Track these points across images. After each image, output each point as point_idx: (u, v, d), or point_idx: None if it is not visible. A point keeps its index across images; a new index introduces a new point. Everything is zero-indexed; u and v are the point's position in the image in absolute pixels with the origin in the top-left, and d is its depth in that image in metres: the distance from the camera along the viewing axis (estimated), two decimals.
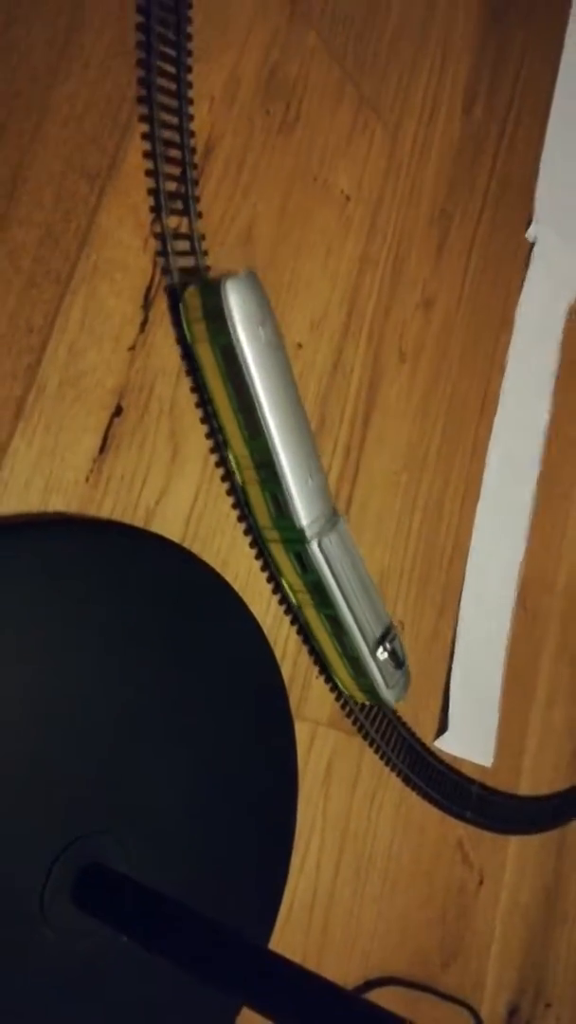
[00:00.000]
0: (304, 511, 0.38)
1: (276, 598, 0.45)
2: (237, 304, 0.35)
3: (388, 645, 0.42)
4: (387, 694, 0.44)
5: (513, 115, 0.66)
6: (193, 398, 0.41)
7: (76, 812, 0.35)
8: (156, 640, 0.38)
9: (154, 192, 0.39)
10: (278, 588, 0.43)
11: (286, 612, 0.46)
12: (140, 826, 0.37)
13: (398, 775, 0.54)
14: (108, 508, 0.38)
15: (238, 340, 0.35)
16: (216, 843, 0.41)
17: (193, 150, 0.41)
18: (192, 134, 0.41)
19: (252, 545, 0.44)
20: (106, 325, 0.38)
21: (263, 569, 0.45)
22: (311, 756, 0.49)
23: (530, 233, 0.68)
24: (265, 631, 0.45)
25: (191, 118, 0.41)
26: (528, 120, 0.67)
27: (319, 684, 0.49)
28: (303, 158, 0.48)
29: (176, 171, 0.40)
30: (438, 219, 0.58)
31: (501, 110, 0.64)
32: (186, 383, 0.41)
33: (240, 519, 0.43)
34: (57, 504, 0.36)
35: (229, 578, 0.43)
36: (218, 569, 0.42)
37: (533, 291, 0.68)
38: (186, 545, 0.41)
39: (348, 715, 0.50)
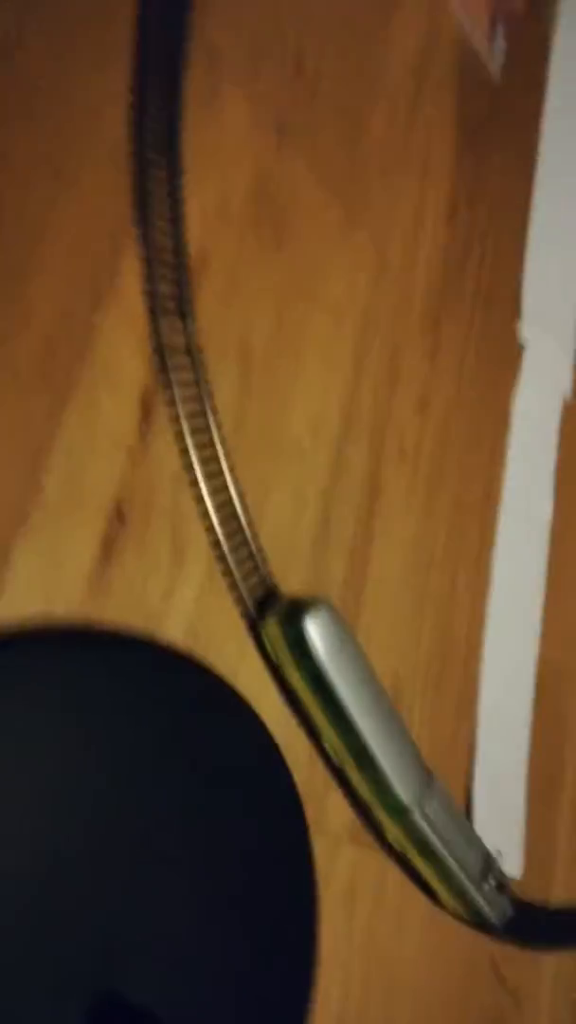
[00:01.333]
0: (403, 789, 0.43)
1: (286, 706, 0.44)
2: (320, 641, 0.39)
3: (492, 879, 0.47)
4: (494, 918, 0.47)
5: (495, 223, 0.69)
6: (194, 506, 0.41)
7: (89, 954, 0.32)
8: (162, 756, 0.37)
9: (151, 309, 0.41)
10: (380, 838, 0.48)
11: (300, 724, 0.45)
12: (155, 962, 0.35)
13: (424, 891, 0.51)
14: (110, 616, 0.37)
15: (324, 670, 0.39)
16: (235, 973, 0.38)
17: (188, 268, 0.42)
18: (187, 254, 0.42)
19: (260, 649, 0.43)
20: (106, 436, 0.38)
21: (274, 677, 0.44)
22: (332, 874, 0.46)
23: (520, 334, 0.70)
24: (278, 742, 0.43)
25: (184, 240, 0.42)
26: (510, 227, 0.70)
27: (336, 797, 0.47)
28: (295, 273, 0.50)
29: (172, 289, 0.42)
30: (430, 327, 0.60)
31: (483, 219, 0.67)
32: (187, 488, 0.41)
33: (249, 628, 0.43)
34: (58, 615, 0.35)
35: (239, 686, 0.42)
36: (227, 677, 0.41)
37: (527, 389, 0.69)
38: (193, 653, 0.40)
39: (369, 828, 0.48)
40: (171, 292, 0.42)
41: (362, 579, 0.51)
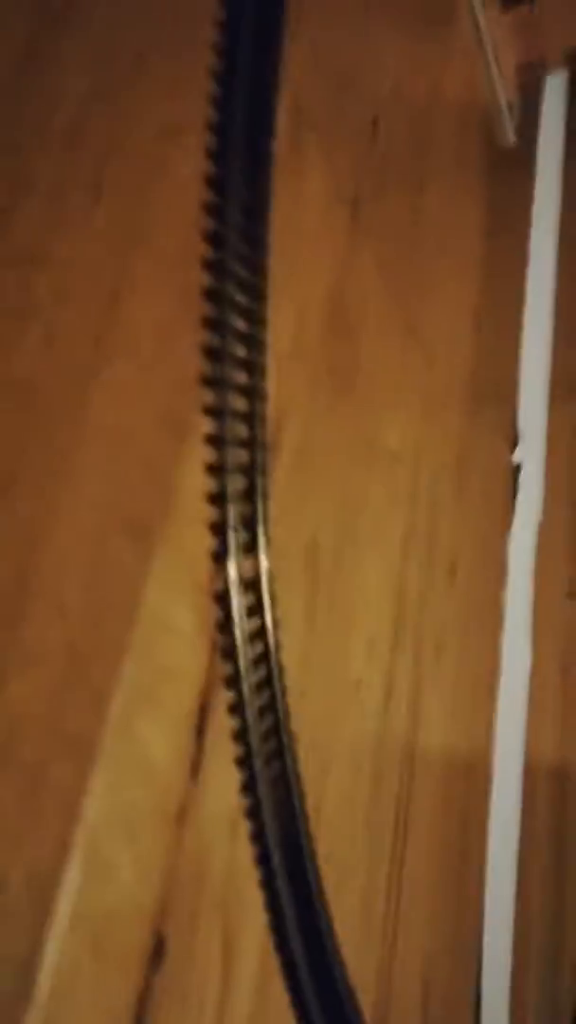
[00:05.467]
0: None
1: None
2: None
3: None
4: None
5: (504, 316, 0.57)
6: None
7: None
8: None
9: (219, 528, 0.24)
10: None
11: None
12: None
13: None
14: None
15: None
16: None
17: (266, 449, 0.26)
18: (265, 427, 0.26)
19: None
20: (140, 791, 0.21)
21: None
22: None
23: (517, 455, 0.59)
24: None
25: (264, 403, 0.26)
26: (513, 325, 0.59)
27: None
28: (361, 416, 0.34)
29: (243, 484, 0.25)
30: (459, 463, 0.46)
31: (496, 319, 0.55)
32: (241, 840, 0.25)
33: None
34: None
35: None
36: None
37: (519, 524, 0.58)
38: None
39: None
40: (243, 494, 0.25)
41: (404, 843, 0.37)
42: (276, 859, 0.26)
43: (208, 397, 0.23)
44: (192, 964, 0.22)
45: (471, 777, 0.48)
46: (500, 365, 0.56)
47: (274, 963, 0.26)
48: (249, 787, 0.25)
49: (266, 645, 0.26)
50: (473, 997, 0.44)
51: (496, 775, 0.54)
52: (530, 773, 0.59)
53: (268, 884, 0.26)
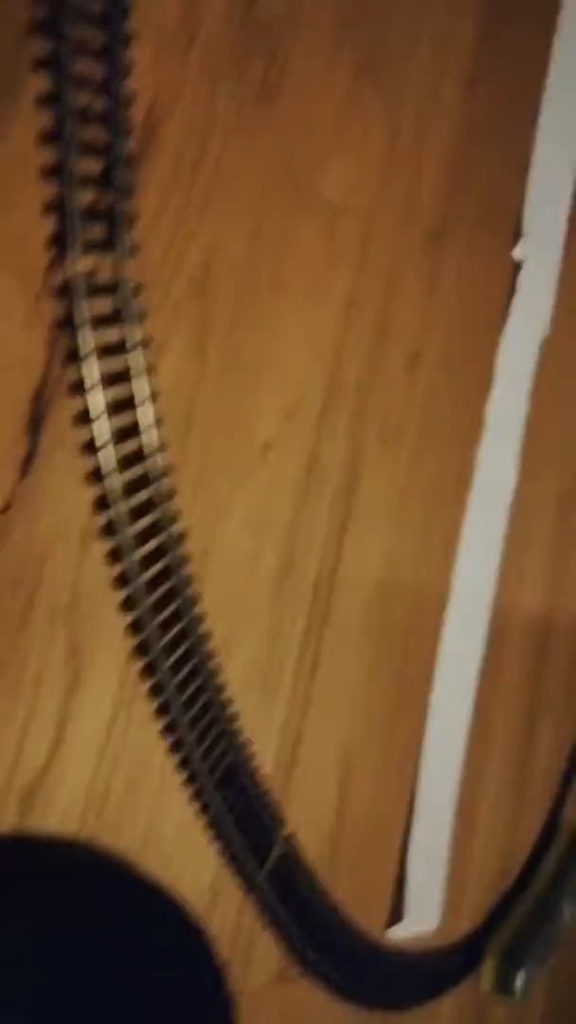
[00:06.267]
0: None
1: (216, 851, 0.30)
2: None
3: None
4: None
5: (508, 109, 0.50)
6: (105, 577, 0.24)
7: None
8: (67, 957, 0.22)
9: (60, 210, 0.21)
10: None
11: (236, 873, 0.30)
12: None
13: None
14: None
15: None
16: None
17: (128, 130, 0.23)
18: (127, 102, 0.22)
19: (189, 781, 0.28)
20: None
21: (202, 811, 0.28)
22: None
23: (517, 252, 0.54)
24: (204, 893, 0.29)
25: (125, 72, 0.22)
26: (521, 114, 0.52)
27: (264, 940, 0.33)
28: (285, 147, 0.30)
29: (95, 170, 0.22)
30: (431, 241, 0.42)
31: (503, 95, 0.49)
32: (95, 553, 0.23)
33: (172, 749, 0.27)
34: None
35: (162, 837, 0.26)
36: (144, 830, 0.26)
37: (512, 335, 0.54)
38: (93, 816, 0.24)
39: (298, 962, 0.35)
40: (93, 180, 0.22)
41: (321, 627, 0.36)
42: (138, 583, 0.25)
43: (40, 48, 0.20)
44: (15, 656, 0.22)
45: (419, 603, 0.46)
46: (503, 140, 0.50)
47: (139, 691, 0.26)
48: (110, 529, 0.24)
49: (127, 364, 0.24)
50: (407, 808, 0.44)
51: (453, 610, 0.51)
52: (503, 613, 0.57)
53: (128, 603, 0.25)
